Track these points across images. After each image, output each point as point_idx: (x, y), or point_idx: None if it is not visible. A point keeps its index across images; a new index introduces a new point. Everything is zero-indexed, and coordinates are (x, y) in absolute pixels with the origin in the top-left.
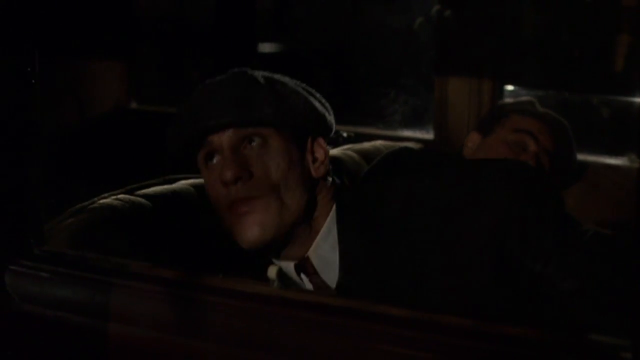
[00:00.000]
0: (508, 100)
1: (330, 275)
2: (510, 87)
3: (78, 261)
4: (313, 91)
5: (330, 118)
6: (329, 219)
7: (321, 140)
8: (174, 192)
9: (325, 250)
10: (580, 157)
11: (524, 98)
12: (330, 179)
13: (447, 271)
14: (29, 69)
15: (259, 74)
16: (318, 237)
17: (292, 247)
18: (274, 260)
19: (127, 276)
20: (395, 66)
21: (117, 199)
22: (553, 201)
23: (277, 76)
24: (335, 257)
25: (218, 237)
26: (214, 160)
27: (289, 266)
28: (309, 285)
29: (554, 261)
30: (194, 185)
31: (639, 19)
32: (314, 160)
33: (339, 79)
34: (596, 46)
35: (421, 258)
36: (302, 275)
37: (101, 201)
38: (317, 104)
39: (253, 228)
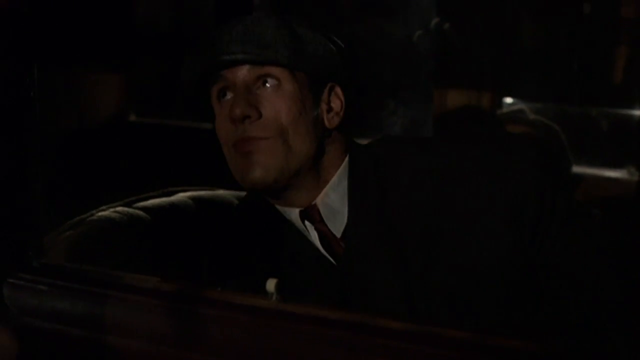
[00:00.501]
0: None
1: (336, 224)
2: (509, 100)
3: (76, 274)
4: (339, 42)
5: (353, 68)
6: (340, 169)
7: (339, 91)
8: (172, 205)
9: (333, 200)
10: (580, 169)
11: (514, 107)
12: (344, 131)
13: (458, 245)
14: (27, 80)
15: (283, 17)
16: (327, 187)
17: (297, 193)
18: (278, 207)
19: (125, 289)
20: (395, 78)
21: (115, 211)
22: (569, 185)
23: (303, 21)
24: (342, 209)
25: (216, 250)
26: (227, 97)
27: (293, 212)
28: (312, 234)
29: (561, 248)
30: (192, 198)
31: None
32: (329, 109)
33: None
34: (595, 58)
35: (432, 225)
36: (307, 223)
37: (100, 214)
38: (340, 55)
39: (255, 168)
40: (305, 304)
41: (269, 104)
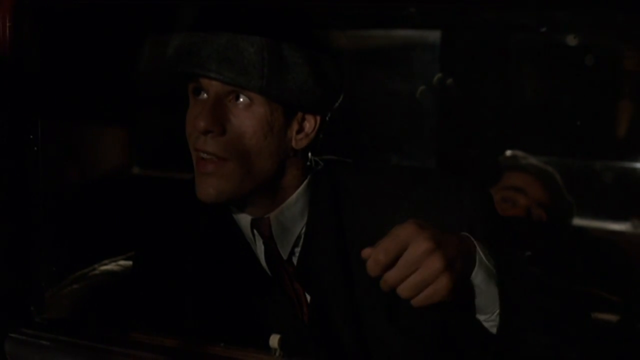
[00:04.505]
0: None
1: (284, 243)
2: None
3: (79, 329)
4: (330, 65)
5: (333, 100)
6: (299, 190)
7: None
8: None
9: (286, 218)
10: (584, 222)
11: (508, 154)
12: (309, 153)
13: None
14: (31, 136)
15: (275, 34)
16: (284, 205)
17: (251, 207)
18: (232, 209)
19: (128, 344)
20: (398, 132)
21: (117, 265)
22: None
23: (295, 43)
24: (293, 228)
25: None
26: (202, 95)
27: (245, 219)
28: (259, 246)
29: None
30: None
31: None
32: (300, 130)
33: (341, 144)
34: (598, 111)
35: None
36: (255, 234)
37: (102, 268)
38: (320, 87)
39: (209, 190)
40: (308, 358)
41: (236, 121)
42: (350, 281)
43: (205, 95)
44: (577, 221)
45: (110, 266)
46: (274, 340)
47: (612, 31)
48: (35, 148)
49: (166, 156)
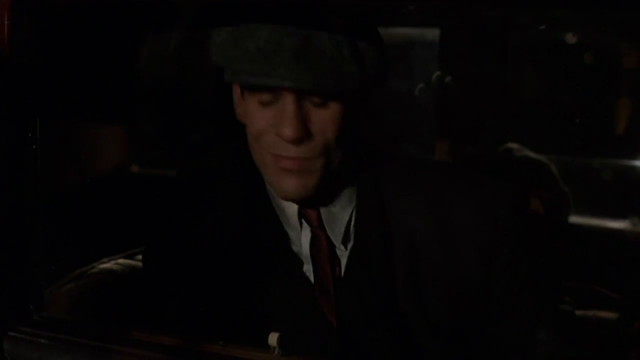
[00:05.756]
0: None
1: (335, 230)
2: None
3: (78, 327)
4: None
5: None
6: (347, 177)
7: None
8: None
9: (334, 206)
10: (582, 220)
11: (502, 147)
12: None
13: (439, 265)
14: (29, 135)
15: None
16: (333, 192)
17: (305, 196)
18: (275, 197)
19: (127, 343)
20: (396, 130)
21: (116, 263)
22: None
23: (365, 34)
24: (342, 216)
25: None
26: (273, 101)
27: (291, 207)
28: (305, 235)
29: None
30: None
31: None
32: (359, 118)
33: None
34: (597, 109)
35: (419, 243)
36: (303, 223)
37: (101, 266)
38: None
39: (296, 187)
40: (308, 356)
41: (317, 121)
42: (395, 272)
43: (274, 98)
44: (576, 219)
45: (110, 264)
46: (273, 338)
47: (611, 29)
48: (34, 146)
49: (165, 155)
